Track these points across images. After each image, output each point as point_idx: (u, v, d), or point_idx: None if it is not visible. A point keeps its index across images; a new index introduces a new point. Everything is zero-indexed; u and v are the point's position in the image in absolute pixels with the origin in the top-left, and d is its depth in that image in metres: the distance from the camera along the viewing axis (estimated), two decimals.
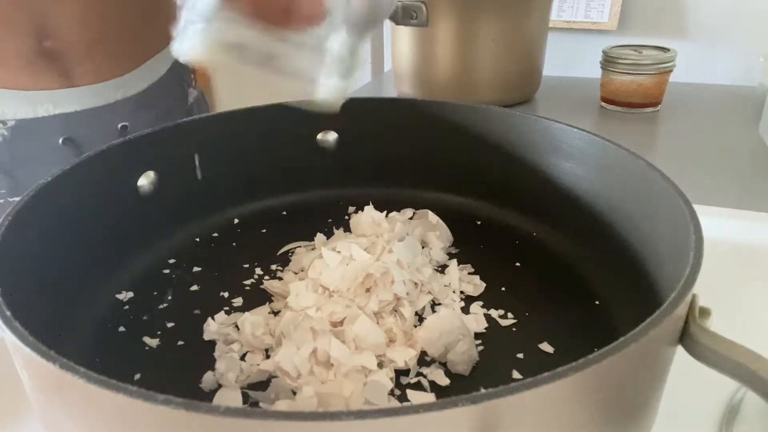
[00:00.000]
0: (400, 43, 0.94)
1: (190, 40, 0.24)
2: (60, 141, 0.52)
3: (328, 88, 0.24)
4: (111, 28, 0.53)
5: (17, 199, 0.33)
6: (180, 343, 0.36)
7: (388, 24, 0.95)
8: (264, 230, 0.48)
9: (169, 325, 0.37)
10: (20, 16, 0.48)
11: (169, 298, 0.40)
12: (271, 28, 0.23)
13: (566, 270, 0.42)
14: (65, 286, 0.35)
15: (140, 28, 0.56)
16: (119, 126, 0.55)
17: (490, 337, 0.36)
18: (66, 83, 0.51)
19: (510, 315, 0.38)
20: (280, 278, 0.42)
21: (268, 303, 0.39)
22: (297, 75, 0.24)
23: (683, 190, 0.32)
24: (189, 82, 0.65)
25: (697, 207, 0.31)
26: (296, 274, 0.42)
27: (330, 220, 0.49)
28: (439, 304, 0.39)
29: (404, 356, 0.34)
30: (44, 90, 0.50)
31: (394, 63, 0.98)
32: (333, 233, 0.47)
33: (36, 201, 0.33)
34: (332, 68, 0.24)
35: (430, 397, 0.32)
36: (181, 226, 0.46)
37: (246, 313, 0.37)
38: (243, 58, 0.23)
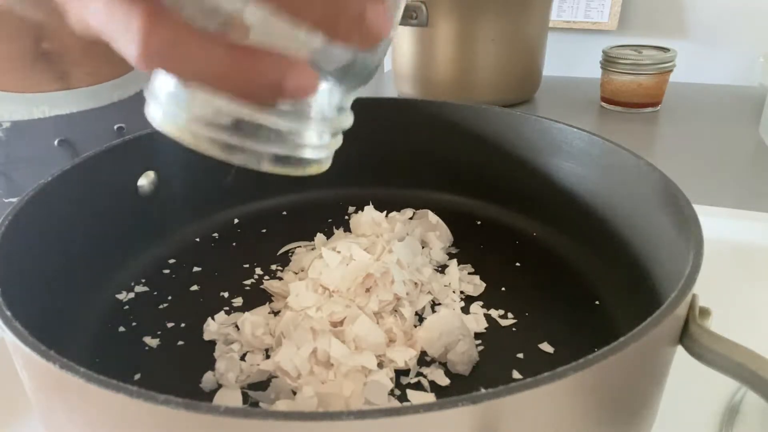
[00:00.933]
0: (400, 43, 0.94)
1: (163, 111, 0.21)
2: (56, 142, 0.52)
3: (317, 150, 0.22)
4: None
5: (13, 200, 0.33)
6: (180, 343, 0.36)
7: None
8: (264, 230, 0.48)
9: (169, 325, 0.37)
10: (18, 18, 0.48)
11: (169, 298, 0.40)
12: (258, 104, 0.20)
13: (566, 270, 0.42)
14: (65, 286, 0.35)
15: None
16: (115, 127, 0.55)
17: (490, 337, 0.36)
18: (63, 85, 0.51)
19: (510, 315, 0.38)
20: (280, 278, 0.42)
21: (268, 303, 0.39)
22: (282, 142, 0.21)
23: (683, 190, 0.32)
24: None
25: (697, 207, 0.31)
26: (296, 274, 0.42)
27: (330, 220, 0.49)
28: (439, 304, 0.39)
29: (404, 356, 0.33)
30: (41, 92, 0.50)
31: (394, 63, 0.98)
32: (333, 233, 0.47)
33: (36, 201, 0.33)
34: (321, 128, 0.22)
35: (430, 397, 0.32)
36: (181, 226, 0.46)
37: (246, 313, 0.37)
38: (220, 135, 0.20)
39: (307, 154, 0.22)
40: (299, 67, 0.19)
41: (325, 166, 0.23)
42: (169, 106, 0.21)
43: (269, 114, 0.21)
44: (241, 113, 0.20)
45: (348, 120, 0.24)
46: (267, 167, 0.22)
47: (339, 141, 0.24)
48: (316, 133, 0.22)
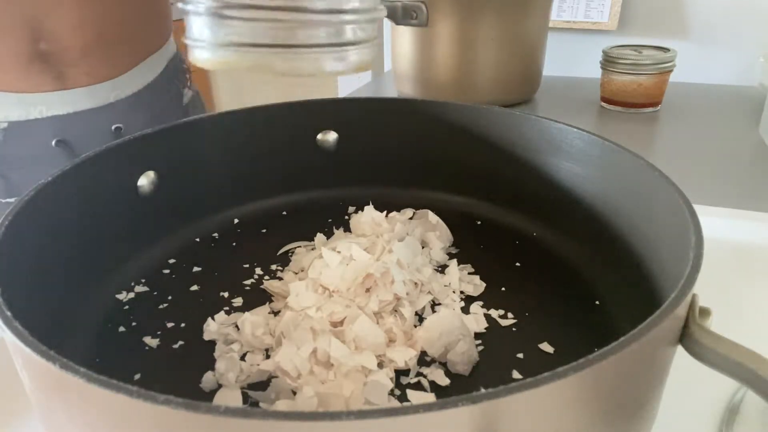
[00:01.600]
0: (400, 43, 0.94)
1: (202, 46, 0.23)
2: (53, 143, 0.52)
3: (359, 49, 0.23)
4: (106, 29, 0.53)
5: (11, 200, 0.33)
6: (180, 343, 0.36)
7: (388, 24, 0.95)
8: (264, 230, 0.48)
9: (169, 325, 0.37)
10: (15, 18, 0.48)
11: (169, 298, 0.40)
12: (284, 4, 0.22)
13: (566, 270, 0.42)
14: (65, 286, 0.35)
15: (135, 30, 0.56)
16: (113, 128, 0.55)
17: (490, 337, 0.36)
18: (60, 85, 0.51)
19: (510, 315, 0.38)
20: (280, 278, 0.42)
21: (268, 303, 0.39)
22: (319, 48, 0.23)
23: (683, 190, 0.32)
24: (184, 82, 0.65)
25: (697, 207, 0.31)
26: (296, 274, 0.42)
27: (330, 220, 0.49)
28: (439, 304, 0.39)
29: (404, 356, 0.33)
30: (38, 92, 0.50)
31: (394, 63, 0.98)
32: (333, 233, 0.47)
33: (36, 201, 0.33)
34: (358, 27, 0.23)
35: (430, 397, 0.32)
36: (181, 226, 0.46)
37: (246, 313, 0.37)
38: (255, 52, 0.22)
39: (349, 54, 0.24)
40: None
41: (367, 61, 0.24)
42: (212, 42, 0.23)
43: (301, 16, 0.22)
44: (273, 22, 0.22)
45: (382, 11, 0.24)
46: (311, 70, 0.23)
47: (375, 38, 0.24)
48: (351, 28, 0.23)
